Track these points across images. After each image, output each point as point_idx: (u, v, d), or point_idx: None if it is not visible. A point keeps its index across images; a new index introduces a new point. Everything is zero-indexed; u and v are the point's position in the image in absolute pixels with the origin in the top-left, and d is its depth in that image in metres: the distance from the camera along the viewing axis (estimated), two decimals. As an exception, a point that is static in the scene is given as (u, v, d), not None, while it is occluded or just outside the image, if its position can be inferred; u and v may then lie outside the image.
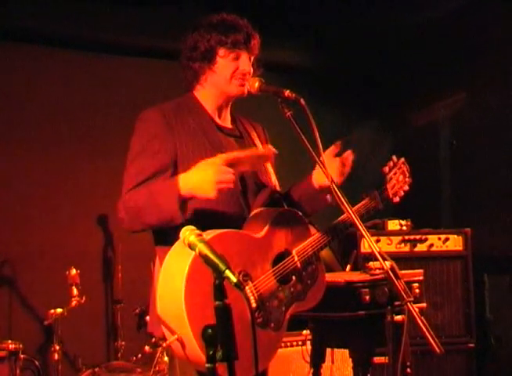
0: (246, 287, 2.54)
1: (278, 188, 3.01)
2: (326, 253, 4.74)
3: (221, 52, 2.81)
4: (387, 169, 3.14)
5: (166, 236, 2.67)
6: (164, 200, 2.58)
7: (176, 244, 2.59)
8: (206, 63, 2.82)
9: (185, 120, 2.80)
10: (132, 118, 2.83)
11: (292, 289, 2.76)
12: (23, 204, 5.09)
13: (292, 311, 2.75)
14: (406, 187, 3.16)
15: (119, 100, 5.40)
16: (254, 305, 2.58)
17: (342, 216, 2.91)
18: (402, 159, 3.20)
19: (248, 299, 2.13)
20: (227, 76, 2.82)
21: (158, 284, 2.60)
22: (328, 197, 3.01)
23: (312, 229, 2.92)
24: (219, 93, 2.86)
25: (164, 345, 2.53)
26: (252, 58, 2.87)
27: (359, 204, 3.00)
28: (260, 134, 3.06)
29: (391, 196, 3.11)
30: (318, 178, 2.99)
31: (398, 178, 3.15)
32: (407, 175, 3.18)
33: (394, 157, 3.17)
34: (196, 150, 2.75)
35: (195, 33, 2.84)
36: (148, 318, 2.86)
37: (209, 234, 2.50)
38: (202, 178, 2.56)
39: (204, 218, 2.67)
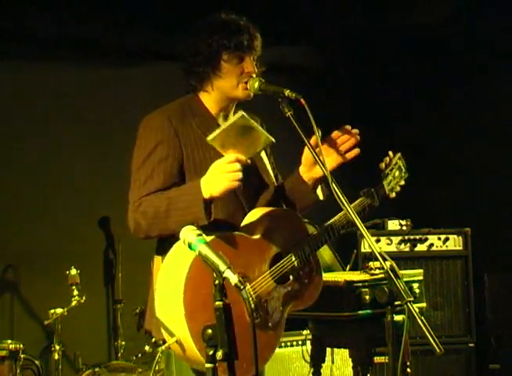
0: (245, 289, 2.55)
1: (276, 182, 2.98)
2: (326, 253, 4.75)
3: (225, 56, 2.77)
4: (383, 165, 3.14)
5: (171, 246, 2.63)
6: (188, 203, 2.57)
7: (176, 246, 2.59)
8: (210, 68, 2.78)
9: (189, 123, 2.77)
10: (135, 121, 2.82)
11: (289, 288, 2.76)
12: (24, 204, 5.08)
13: (290, 310, 2.75)
14: (402, 182, 3.15)
15: (122, 102, 5.39)
16: (252, 306, 2.58)
17: (339, 214, 2.91)
18: (399, 154, 3.19)
19: (248, 300, 2.13)
20: (233, 81, 2.78)
21: (157, 287, 2.59)
22: (319, 193, 2.99)
23: (310, 229, 2.92)
24: (225, 97, 2.83)
25: (164, 347, 2.54)
26: (255, 57, 2.84)
27: (355, 202, 2.98)
28: None
29: (387, 192, 3.10)
30: (304, 170, 2.93)
31: (394, 174, 3.15)
32: (403, 170, 3.18)
33: (391, 153, 3.17)
34: (202, 154, 2.73)
35: (196, 37, 2.80)
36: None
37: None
38: (214, 176, 2.56)
39: None
